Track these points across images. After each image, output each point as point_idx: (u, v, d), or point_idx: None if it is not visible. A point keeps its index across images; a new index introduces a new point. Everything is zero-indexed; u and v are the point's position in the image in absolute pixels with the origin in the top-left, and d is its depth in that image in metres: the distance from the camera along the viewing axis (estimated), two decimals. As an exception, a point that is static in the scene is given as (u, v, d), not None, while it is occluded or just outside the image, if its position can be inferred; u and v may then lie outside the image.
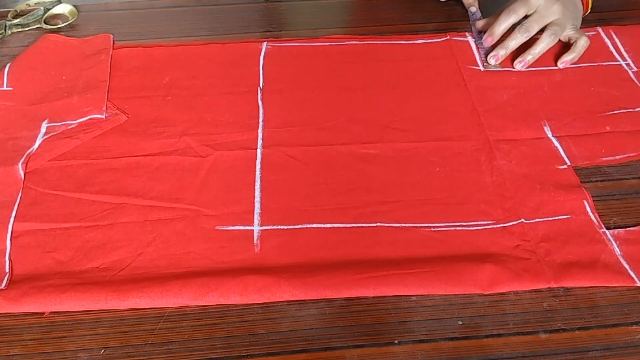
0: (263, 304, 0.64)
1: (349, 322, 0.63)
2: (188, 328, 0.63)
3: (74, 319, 0.63)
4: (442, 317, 0.64)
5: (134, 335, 0.62)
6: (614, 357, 0.61)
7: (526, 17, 0.95)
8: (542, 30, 0.95)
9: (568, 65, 0.94)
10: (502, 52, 0.94)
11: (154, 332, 0.62)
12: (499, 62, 0.95)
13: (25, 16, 1.05)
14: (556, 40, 0.94)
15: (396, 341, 0.62)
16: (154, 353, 0.60)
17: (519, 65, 0.94)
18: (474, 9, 1.05)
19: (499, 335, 0.62)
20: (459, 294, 0.65)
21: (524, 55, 0.94)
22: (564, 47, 0.97)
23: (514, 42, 0.94)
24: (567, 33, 0.96)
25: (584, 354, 0.61)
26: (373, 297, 0.65)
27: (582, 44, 0.94)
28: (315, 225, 0.72)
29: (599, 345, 0.61)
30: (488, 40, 0.96)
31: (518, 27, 0.94)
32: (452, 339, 0.62)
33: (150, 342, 0.61)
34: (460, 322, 0.63)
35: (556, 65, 0.95)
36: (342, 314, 0.64)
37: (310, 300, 0.65)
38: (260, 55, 0.97)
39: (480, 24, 1.01)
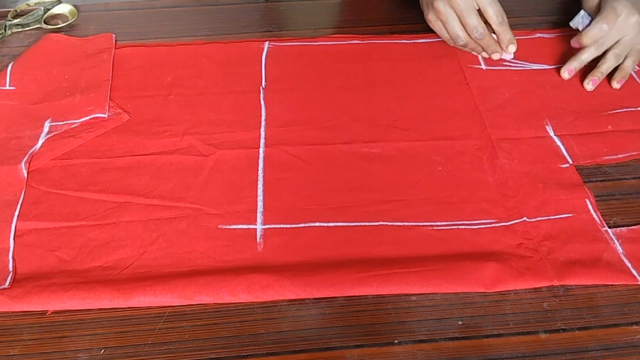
0: (263, 304, 0.64)
1: (349, 322, 0.63)
2: (188, 328, 0.63)
3: (74, 319, 0.63)
4: (442, 317, 0.64)
5: (134, 335, 0.62)
6: (614, 357, 0.61)
7: None
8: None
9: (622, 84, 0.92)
10: (574, 65, 0.92)
11: (154, 332, 0.62)
12: (571, 75, 0.93)
13: (25, 16, 1.05)
14: (621, 61, 0.92)
15: (396, 341, 0.62)
16: (154, 353, 0.61)
17: (590, 85, 0.91)
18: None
19: (499, 335, 0.62)
20: (459, 294, 0.65)
21: (594, 75, 0.91)
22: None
23: (586, 56, 0.91)
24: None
25: (584, 354, 0.61)
26: (373, 297, 0.65)
27: (629, 63, 0.92)
28: (317, 224, 0.72)
29: (599, 345, 0.61)
30: (575, 45, 0.93)
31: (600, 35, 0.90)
32: (452, 339, 0.62)
33: (150, 342, 0.61)
34: (460, 322, 0.63)
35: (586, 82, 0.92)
36: (342, 314, 0.64)
37: (310, 300, 0.65)
38: (262, 54, 0.97)
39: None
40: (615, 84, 0.90)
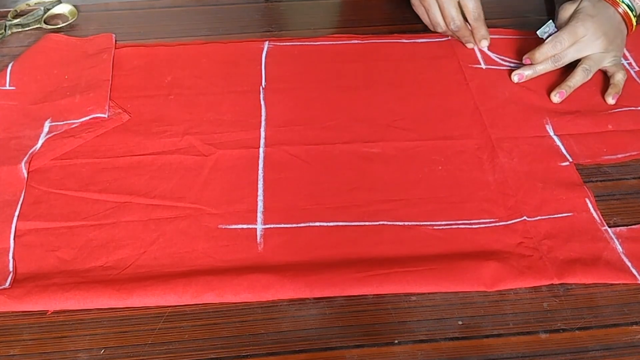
0: (263, 303, 0.64)
1: (349, 322, 0.63)
2: (188, 328, 0.63)
3: (74, 319, 0.63)
4: (442, 317, 0.64)
5: (134, 335, 0.62)
6: (614, 357, 0.61)
7: None
8: (578, 61, 0.91)
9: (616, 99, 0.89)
10: (527, 72, 0.92)
11: (154, 332, 0.62)
12: (522, 80, 0.92)
13: (25, 16, 1.05)
14: (590, 77, 0.91)
15: (396, 341, 0.62)
16: (154, 353, 0.61)
17: (557, 97, 0.89)
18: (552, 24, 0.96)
19: (499, 335, 0.62)
20: (459, 294, 0.65)
21: (561, 87, 0.89)
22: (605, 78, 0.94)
23: (542, 67, 0.92)
24: (605, 65, 0.92)
25: (584, 354, 0.61)
26: (373, 297, 0.65)
27: (619, 78, 0.91)
28: (318, 223, 0.72)
29: (599, 345, 0.61)
30: (526, 61, 0.92)
31: (554, 53, 0.91)
32: (452, 339, 0.62)
33: (150, 342, 0.61)
34: (460, 322, 0.63)
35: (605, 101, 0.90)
36: (342, 314, 0.64)
37: (310, 300, 0.65)
38: (262, 54, 0.97)
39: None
40: (611, 100, 0.89)
